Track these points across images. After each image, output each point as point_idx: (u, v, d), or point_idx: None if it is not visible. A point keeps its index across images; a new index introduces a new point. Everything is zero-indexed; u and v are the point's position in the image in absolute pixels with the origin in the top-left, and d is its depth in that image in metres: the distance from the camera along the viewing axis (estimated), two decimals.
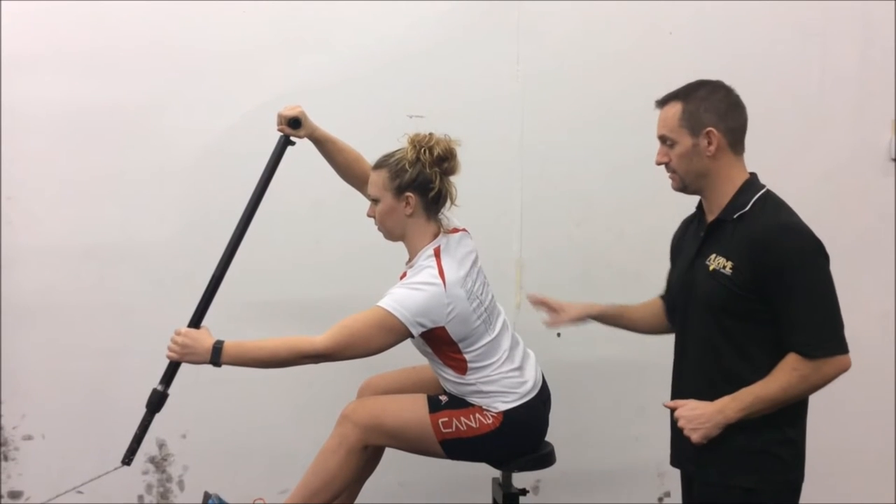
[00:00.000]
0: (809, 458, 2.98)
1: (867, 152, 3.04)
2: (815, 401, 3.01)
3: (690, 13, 2.96)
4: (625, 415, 3.07)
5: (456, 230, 2.31)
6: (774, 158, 3.00)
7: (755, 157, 2.98)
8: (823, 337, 1.86)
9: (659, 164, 2.03)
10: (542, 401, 2.33)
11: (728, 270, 1.90)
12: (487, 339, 2.23)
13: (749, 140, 2.99)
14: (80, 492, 2.67)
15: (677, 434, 2.00)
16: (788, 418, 1.90)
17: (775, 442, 1.89)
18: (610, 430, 3.07)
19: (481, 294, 2.24)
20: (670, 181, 2.04)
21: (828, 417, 3.07)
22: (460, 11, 2.90)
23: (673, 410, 1.97)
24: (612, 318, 2.38)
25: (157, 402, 2.22)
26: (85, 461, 2.84)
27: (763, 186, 1.99)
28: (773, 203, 1.95)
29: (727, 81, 2.95)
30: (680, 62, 2.93)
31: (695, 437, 1.89)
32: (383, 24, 2.88)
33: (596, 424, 3.04)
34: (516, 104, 2.94)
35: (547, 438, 2.40)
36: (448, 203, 2.27)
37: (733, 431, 1.88)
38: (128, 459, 2.25)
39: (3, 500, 2.85)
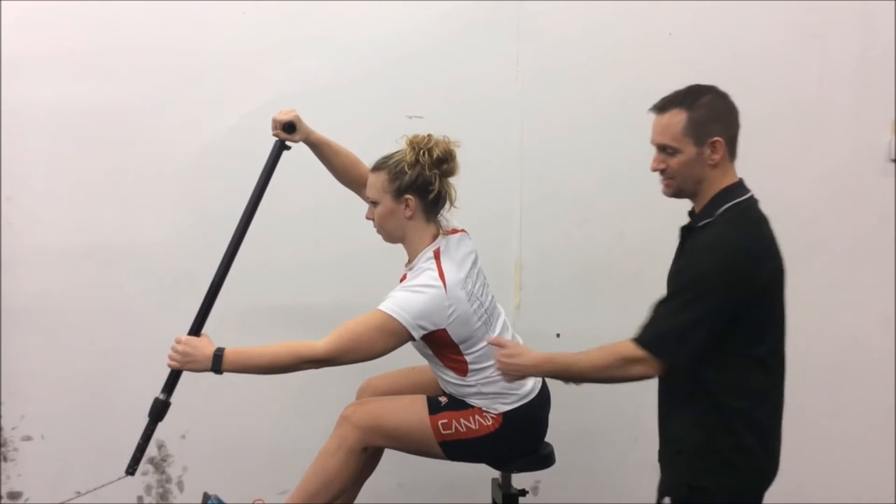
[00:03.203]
0: (810, 458, 3.01)
1: (867, 153, 3.03)
2: (814, 400, 3.05)
3: (690, 14, 2.95)
4: (624, 415, 3.06)
5: (455, 231, 2.30)
6: (774, 159, 3.01)
7: (755, 157, 2.97)
8: (660, 336, 1.86)
9: (655, 170, 1.98)
10: (541, 402, 2.33)
11: None
12: None
13: (749, 141, 2.99)
14: (78, 492, 2.68)
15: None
16: (748, 426, 1.87)
17: (730, 448, 1.87)
18: (610, 430, 3.07)
19: (481, 295, 2.24)
20: (663, 187, 2.00)
21: (828, 417, 3.09)
22: (460, 11, 2.90)
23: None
24: None
25: (159, 410, 2.21)
26: (84, 462, 2.85)
27: (741, 195, 1.93)
28: (735, 216, 1.90)
29: (727, 81, 2.94)
30: (680, 62, 2.93)
31: (507, 379, 2.07)
32: (383, 25, 2.87)
33: (596, 424, 3.04)
34: (516, 104, 2.94)
35: (547, 439, 2.40)
36: (448, 204, 2.27)
37: (693, 431, 1.89)
38: (132, 469, 2.23)
39: (2, 501, 2.85)
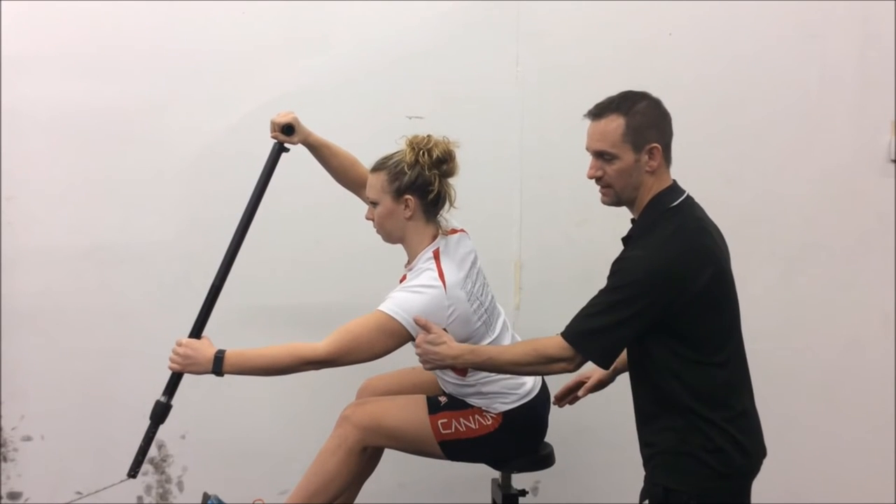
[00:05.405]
0: (810, 458, 3.01)
1: (867, 153, 3.03)
2: (814, 400, 3.05)
3: (690, 13, 2.95)
4: (624, 415, 3.04)
5: (454, 231, 2.30)
6: (774, 158, 3.02)
7: (756, 157, 3.01)
8: (585, 334, 1.88)
9: (591, 178, 1.97)
10: (541, 401, 2.33)
11: None
12: (488, 340, 2.23)
13: (749, 140, 3.02)
14: (79, 493, 2.68)
15: None
16: (716, 428, 1.87)
17: (702, 449, 1.87)
18: (610, 430, 3.06)
19: (481, 295, 2.24)
20: (601, 195, 1.99)
21: (828, 417, 3.09)
22: (460, 12, 2.90)
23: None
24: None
25: (160, 413, 2.21)
26: (84, 462, 2.85)
27: (676, 198, 1.94)
28: (671, 223, 1.90)
29: (727, 81, 2.99)
30: (680, 62, 2.93)
31: (426, 367, 2.05)
32: (383, 25, 2.87)
33: (596, 424, 3.04)
34: (516, 105, 2.94)
35: (547, 439, 2.40)
36: (447, 205, 2.27)
37: (665, 435, 1.90)
38: (133, 472, 2.23)
39: (2, 501, 2.86)
